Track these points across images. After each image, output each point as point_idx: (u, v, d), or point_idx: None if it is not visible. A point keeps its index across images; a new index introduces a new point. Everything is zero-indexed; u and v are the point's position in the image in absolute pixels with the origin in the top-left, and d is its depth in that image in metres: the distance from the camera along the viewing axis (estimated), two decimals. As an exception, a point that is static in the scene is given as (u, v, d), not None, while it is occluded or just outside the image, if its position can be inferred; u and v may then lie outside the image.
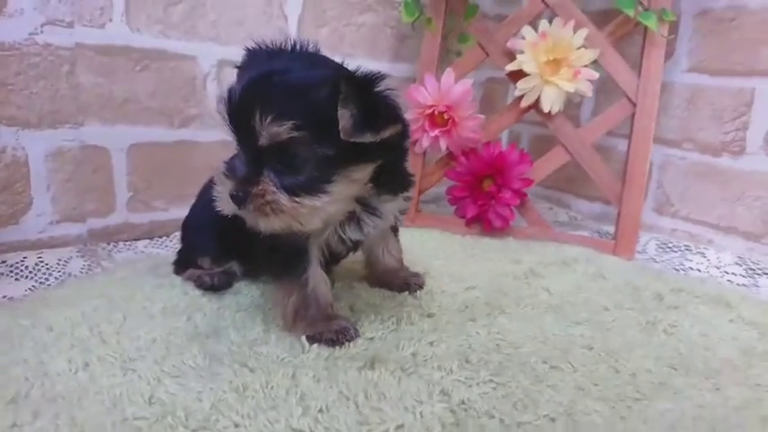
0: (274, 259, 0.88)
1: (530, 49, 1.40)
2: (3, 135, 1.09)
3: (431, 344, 0.87)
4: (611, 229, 1.51)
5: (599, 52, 1.39)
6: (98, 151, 1.22)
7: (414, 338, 0.88)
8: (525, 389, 0.76)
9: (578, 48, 1.39)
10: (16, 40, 1.07)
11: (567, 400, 0.74)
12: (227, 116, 0.79)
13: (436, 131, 1.44)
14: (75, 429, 0.63)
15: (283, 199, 0.77)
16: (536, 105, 1.45)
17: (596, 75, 1.41)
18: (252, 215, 0.78)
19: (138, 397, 0.70)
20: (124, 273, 1.09)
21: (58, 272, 1.10)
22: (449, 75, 1.43)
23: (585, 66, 1.40)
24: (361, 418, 0.67)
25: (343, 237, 0.90)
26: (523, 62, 1.40)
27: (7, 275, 1.04)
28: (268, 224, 0.79)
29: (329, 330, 0.85)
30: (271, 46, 0.86)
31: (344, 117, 0.75)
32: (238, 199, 0.78)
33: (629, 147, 1.42)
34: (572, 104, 1.71)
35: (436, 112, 1.43)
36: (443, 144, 1.46)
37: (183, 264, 1.07)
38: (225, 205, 0.81)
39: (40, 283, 1.05)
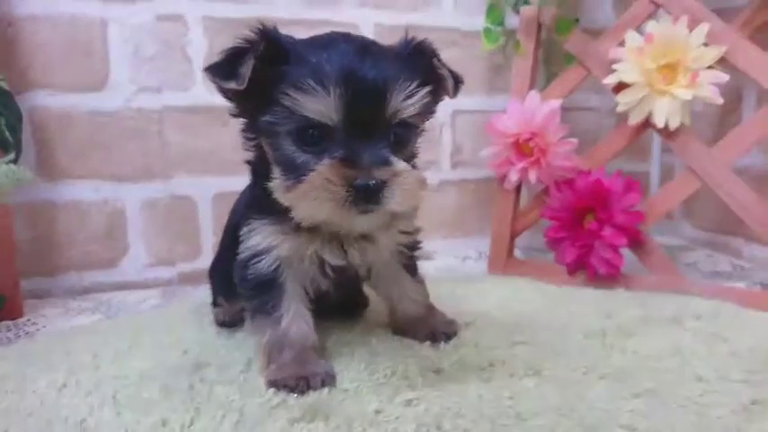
0: (246, 293, 0.82)
1: (632, 55, 1.15)
2: (105, 189, 1.28)
3: (407, 402, 0.71)
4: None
5: (725, 49, 1.07)
6: (185, 201, 1.34)
7: (391, 395, 0.73)
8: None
9: (699, 47, 1.10)
10: (115, 108, 1.27)
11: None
12: (341, 92, 0.64)
13: (523, 163, 1.26)
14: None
15: (415, 177, 0.69)
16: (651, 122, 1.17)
17: (726, 77, 1.08)
18: (381, 211, 0.66)
19: (76, 419, 0.70)
20: (176, 309, 1.15)
21: (133, 310, 1.19)
22: (532, 98, 1.25)
23: (710, 67, 1.09)
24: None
25: (323, 261, 0.80)
26: (623, 71, 1.15)
27: (89, 311, 1.18)
28: (401, 207, 0.68)
29: (291, 376, 0.75)
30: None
31: (449, 78, 0.74)
32: (372, 190, 0.64)
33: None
34: (704, 118, 1.35)
35: (521, 141, 1.25)
36: (533, 176, 1.26)
37: (215, 302, 1.08)
38: (339, 210, 0.65)
39: (108, 317, 1.15)
